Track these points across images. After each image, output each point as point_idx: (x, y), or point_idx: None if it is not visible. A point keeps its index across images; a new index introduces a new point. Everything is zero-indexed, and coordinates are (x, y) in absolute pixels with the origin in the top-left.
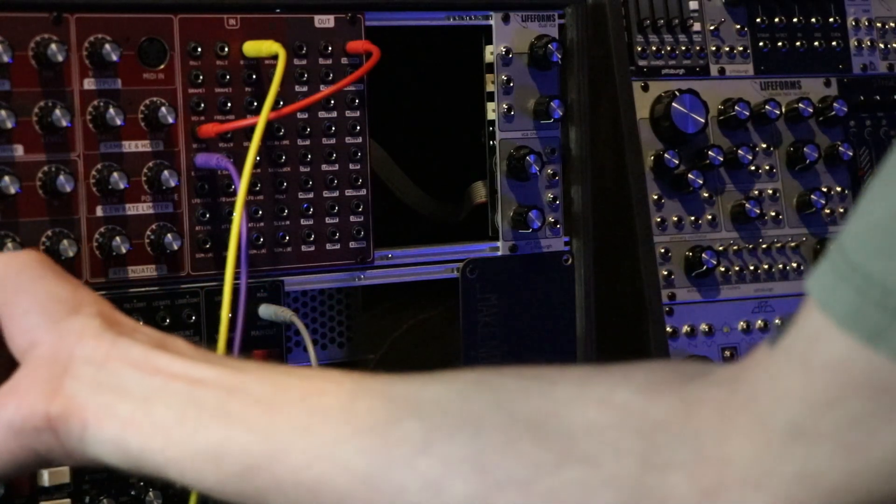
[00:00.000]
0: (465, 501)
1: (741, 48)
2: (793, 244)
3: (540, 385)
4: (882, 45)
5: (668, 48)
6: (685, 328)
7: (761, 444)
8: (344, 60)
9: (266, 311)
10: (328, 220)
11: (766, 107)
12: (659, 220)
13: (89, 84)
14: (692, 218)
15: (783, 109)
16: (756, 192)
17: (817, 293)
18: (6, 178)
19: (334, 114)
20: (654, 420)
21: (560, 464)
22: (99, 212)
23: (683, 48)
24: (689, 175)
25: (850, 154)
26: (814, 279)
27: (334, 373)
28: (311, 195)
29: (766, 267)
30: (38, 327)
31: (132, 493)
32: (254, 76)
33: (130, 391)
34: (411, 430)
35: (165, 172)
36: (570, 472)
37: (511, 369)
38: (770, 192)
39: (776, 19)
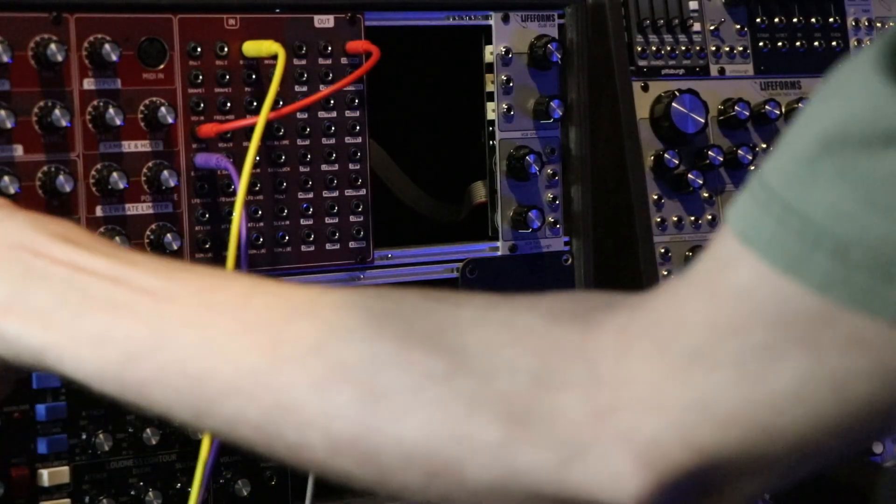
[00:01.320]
0: (351, 404)
1: (741, 48)
2: None
3: (444, 305)
4: None
5: (668, 48)
6: None
7: (659, 369)
8: (344, 60)
9: None
10: (328, 220)
11: (766, 107)
12: (659, 220)
13: (89, 84)
14: (692, 218)
15: (783, 109)
16: None
17: (736, 221)
18: (6, 178)
19: (334, 114)
20: (551, 341)
21: (450, 375)
22: (99, 212)
23: (683, 48)
24: (689, 175)
25: None
26: (733, 208)
27: (231, 272)
28: (311, 195)
29: None
30: None
31: (132, 493)
32: (254, 76)
33: (9, 275)
34: (305, 330)
35: (165, 172)
36: (460, 384)
37: (418, 291)
38: None
39: (776, 19)
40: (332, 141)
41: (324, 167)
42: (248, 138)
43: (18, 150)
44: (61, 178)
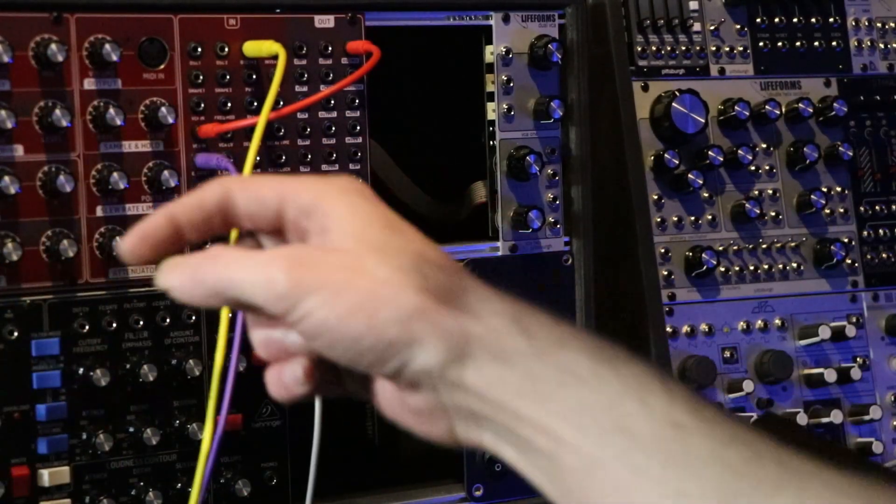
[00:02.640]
0: None
1: (741, 48)
2: (793, 244)
3: None
4: (882, 45)
5: (668, 48)
6: (685, 328)
7: None
8: (344, 60)
9: None
10: None
11: (766, 107)
12: (659, 220)
13: (89, 84)
14: (692, 218)
15: (783, 109)
16: (756, 192)
17: None
18: (6, 178)
19: (334, 114)
20: None
21: None
22: (99, 212)
23: (683, 48)
24: (689, 175)
25: (850, 154)
26: None
27: None
28: None
29: (766, 267)
30: None
31: (132, 493)
32: (254, 76)
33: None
34: None
35: (165, 172)
36: None
37: None
38: (770, 192)
39: (776, 19)
40: (333, 141)
41: (324, 167)
42: (249, 138)
43: (19, 150)
44: (62, 178)
